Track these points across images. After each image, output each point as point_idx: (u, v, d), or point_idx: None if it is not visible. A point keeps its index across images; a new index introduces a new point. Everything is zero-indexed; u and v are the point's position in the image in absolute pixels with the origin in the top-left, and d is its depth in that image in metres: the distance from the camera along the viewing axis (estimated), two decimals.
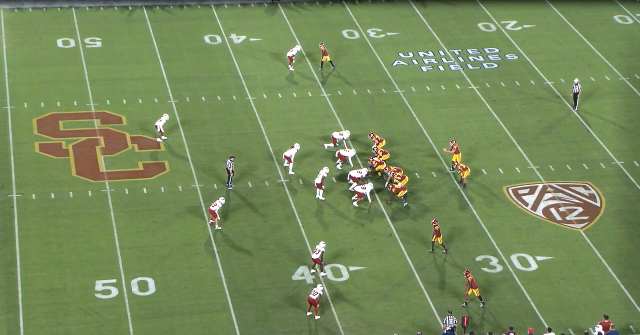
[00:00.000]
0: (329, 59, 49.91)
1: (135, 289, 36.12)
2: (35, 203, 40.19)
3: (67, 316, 34.82)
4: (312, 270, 37.10)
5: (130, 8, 55.36)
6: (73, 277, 36.49)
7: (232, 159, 41.25)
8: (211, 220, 39.22)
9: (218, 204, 38.92)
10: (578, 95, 47.41)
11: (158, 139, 43.97)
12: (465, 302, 36.01)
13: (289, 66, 49.76)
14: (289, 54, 49.77)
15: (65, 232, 38.74)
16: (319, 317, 35.15)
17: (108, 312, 35.06)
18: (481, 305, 36.08)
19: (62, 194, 40.81)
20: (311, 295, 34.91)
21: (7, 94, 47.10)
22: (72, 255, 37.55)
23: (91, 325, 34.48)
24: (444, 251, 38.21)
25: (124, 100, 47.16)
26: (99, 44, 51.88)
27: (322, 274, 36.97)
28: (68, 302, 35.40)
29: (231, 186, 41.38)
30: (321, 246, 36.80)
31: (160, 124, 43.92)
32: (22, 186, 41.05)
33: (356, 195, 40.82)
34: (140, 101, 47.25)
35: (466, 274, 35.91)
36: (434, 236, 38.00)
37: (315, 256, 36.77)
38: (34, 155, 43.12)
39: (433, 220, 38.35)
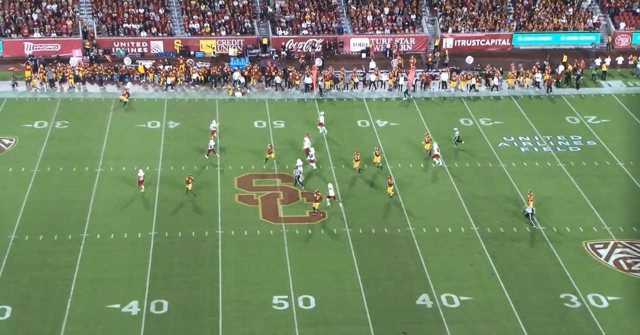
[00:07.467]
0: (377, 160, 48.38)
1: (300, 304, 36.86)
2: (233, 237, 41.35)
3: (252, 321, 35.77)
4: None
5: (305, 100, 57.68)
6: (257, 293, 37.33)
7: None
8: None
9: (331, 192, 43.26)
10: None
11: None
12: (318, 212, 42.36)
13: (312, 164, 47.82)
14: (305, 145, 47.92)
15: (252, 259, 39.65)
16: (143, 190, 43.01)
17: (281, 319, 35.79)
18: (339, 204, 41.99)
19: (252, 232, 41.91)
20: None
21: (219, 159, 48.97)
22: (257, 276, 38.51)
23: (268, 328, 35.33)
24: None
25: None
26: (282, 125, 53.60)
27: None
28: (253, 311, 36.30)
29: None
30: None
31: None
32: (224, 225, 42.19)
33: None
34: None
35: (316, 193, 42.33)
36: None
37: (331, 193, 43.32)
38: (234, 203, 44.29)
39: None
